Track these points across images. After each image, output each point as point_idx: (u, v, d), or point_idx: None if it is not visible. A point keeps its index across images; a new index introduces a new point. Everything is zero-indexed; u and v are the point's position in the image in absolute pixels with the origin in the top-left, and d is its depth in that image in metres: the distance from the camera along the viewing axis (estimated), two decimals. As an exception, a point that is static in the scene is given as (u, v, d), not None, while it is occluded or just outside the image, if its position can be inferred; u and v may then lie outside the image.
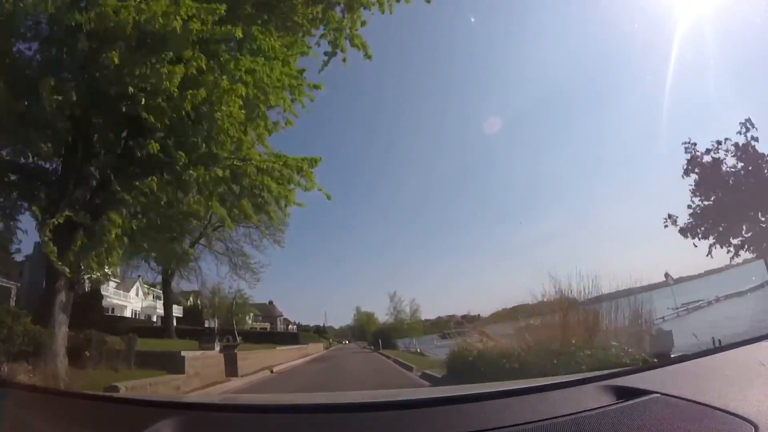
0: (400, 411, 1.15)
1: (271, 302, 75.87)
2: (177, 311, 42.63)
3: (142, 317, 39.71)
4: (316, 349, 36.60)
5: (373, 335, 41.19)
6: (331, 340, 72.55)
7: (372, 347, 38.15)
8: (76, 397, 1.49)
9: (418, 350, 31.20)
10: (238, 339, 34.62)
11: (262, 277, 30.03)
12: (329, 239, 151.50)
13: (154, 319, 40.63)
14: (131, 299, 38.86)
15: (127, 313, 37.15)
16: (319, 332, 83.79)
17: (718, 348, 1.28)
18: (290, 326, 74.68)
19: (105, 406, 1.37)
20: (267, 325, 64.94)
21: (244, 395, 6.94)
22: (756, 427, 0.84)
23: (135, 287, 39.54)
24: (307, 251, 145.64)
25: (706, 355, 1.27)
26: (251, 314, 63.85)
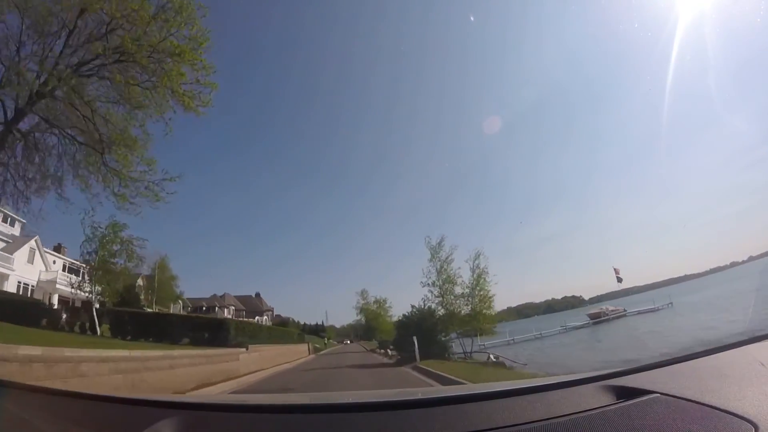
0: (400, 411, 1.15)
1: (257, 294, 69.13)
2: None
3: (39, 296, 26.92)
4: (275, 358, 20.58)
5: (400, 328, 21.42)
6: (327, 340, 63.34)
7: (394, 352, 21.74)
8: (76, 397, 1.49)
9: (491, 358, 16.93)
10: (97, 326, 17.74)
11: (171, 201, 12.93)
12: (329, 241, 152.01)
13: (54, 300, 27.69)
14: (17, 266, 26.82)
15: (10, 287, 25.55)
16: (316, 331, 77.16)
17: (718, 348, 1.28)
18: (261, 319, 64.63)
19: (105, 406, 1.37)
20: (252, 320, 56.61)
21: (244, 395, 6.94)
22: (756, 427, 0.84)
23: (28, 251, 27.88)
24: (308, 251, 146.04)
25: (706, 355, 1.27)
26: (233, 308, 56.78)
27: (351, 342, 73.77)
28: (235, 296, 63.50)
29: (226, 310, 57.10)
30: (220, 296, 59.90)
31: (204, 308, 53.99)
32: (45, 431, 1.17)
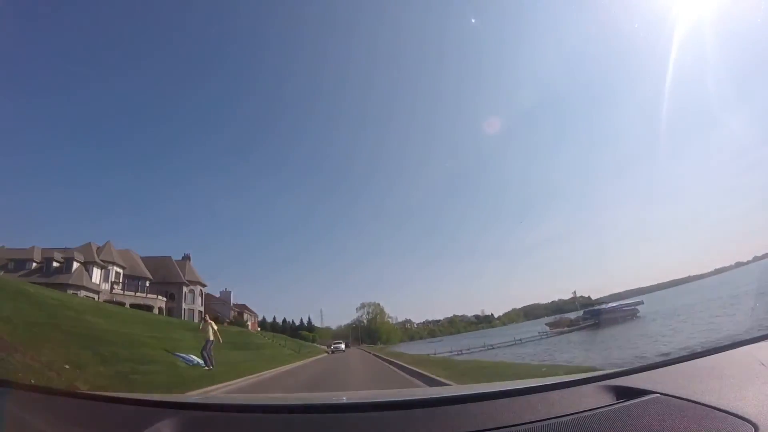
0: (400, 411, 1.15)
1: (186, 257, 44.51)
2: None
3: None
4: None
5: None
6: (286, 346, 34.15)
7: None
8: (76, 397, 1.49)
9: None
10: None
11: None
12: (335, 243, 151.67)
13: None
14: None
15: None
16: (297, 332, 66.88)
17: (718, 348, 1.28)
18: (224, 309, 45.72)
19: (105, 406, 1.37)
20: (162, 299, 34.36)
21: (244, 395, 6.94)
22: (756, 427, 0.84)
23: None
24: (307, 252, 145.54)
25: (706, 355, 1.27)
26: (115, 268, 33.52)
27: (348, 346, 52.60)
28: (143, 257, 39.84)
29: (97, 269, 32.32)
30: (100, 247, 35.27)
31: (56, 263, 29.33)
32: (45, 431, 1.17)
